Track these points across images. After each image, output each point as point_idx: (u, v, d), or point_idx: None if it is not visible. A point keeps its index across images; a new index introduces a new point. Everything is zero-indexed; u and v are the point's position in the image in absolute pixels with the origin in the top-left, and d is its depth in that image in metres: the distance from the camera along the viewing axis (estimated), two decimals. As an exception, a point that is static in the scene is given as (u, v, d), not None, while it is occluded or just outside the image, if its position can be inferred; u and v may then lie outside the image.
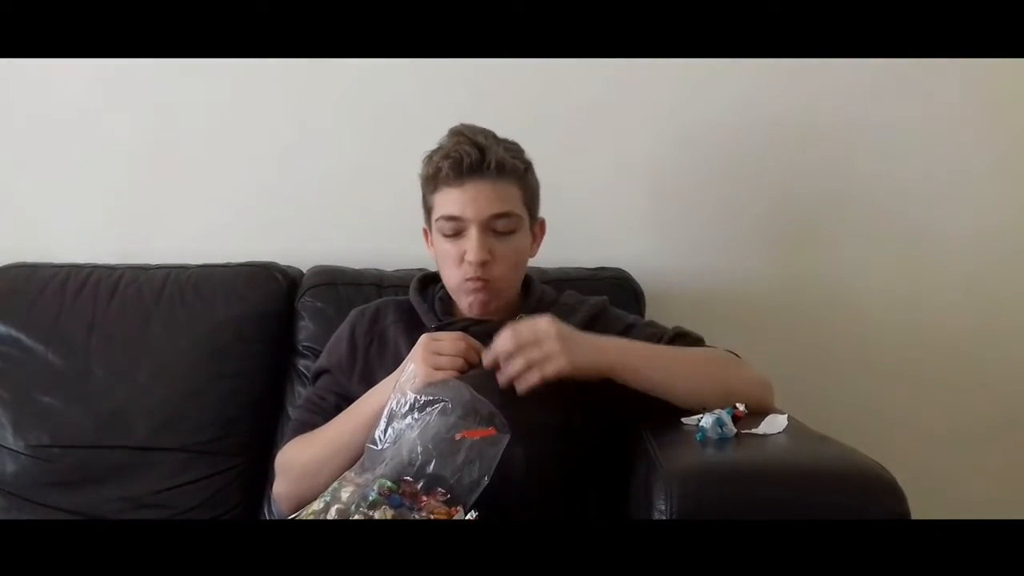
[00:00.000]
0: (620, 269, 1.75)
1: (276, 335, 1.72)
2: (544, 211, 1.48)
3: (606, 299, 1.50)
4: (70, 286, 1.75)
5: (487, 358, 1.27)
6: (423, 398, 1.19)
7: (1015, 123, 1.86)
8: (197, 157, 1.91)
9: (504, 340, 1.26)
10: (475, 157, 1.34)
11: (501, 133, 1.42)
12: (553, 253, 1.58)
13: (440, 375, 1.24)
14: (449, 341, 1.29)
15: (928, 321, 1.86)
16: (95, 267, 1.79)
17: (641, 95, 1.86)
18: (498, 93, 1.85)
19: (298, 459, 1.39)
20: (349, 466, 1.25)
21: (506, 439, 1.14)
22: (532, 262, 1.47)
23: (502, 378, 1.25)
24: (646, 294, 1.73)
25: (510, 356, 1.25)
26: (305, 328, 1.71)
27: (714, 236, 1.87)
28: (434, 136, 1.41)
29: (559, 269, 1.70)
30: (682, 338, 1.41)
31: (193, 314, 1.70)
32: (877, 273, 1.86)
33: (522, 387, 1.25)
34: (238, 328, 1.70)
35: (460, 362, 1.27)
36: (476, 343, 1.30)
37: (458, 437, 1.13)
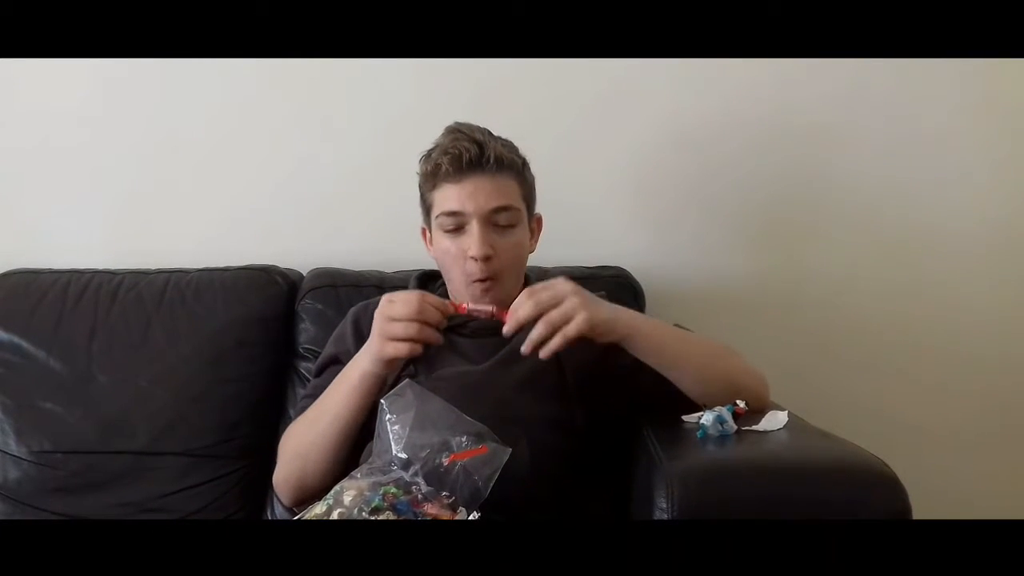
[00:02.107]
0: (620, 268, 1.75)
1: (277, 338, 1.72)
2: (544, 210, 1.48)
3: (604, 293, 1.49)
4: (71, 292, 1.75)
5: (508, 327, 1.22)
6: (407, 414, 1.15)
7: (1014, 123, 1.86)
8: (196, 162, 1.91)
9: (524, 306, 1.21)
10: (474, 152, 1.34)
11: (502, 133, 1.42)
12: (553, 252, 1.59)
13: (393, 348, 1.21)
14: (401, 303, 1.24)
15: (928, 319, 1.86)
16: (95, 273, 1.79)
17: (640, 95, 1.86)
18: (498, 93, 1.85)
19: (291, 439, 1.39)
20: (338, 441, 1.24)
21: (505, 452, 1.12)
22: (532, 259, 1.47)
23: (527, 346, 1.21)
24: (646, 292, 1.73)
25: (531, 320, 1.21)
26: (306, 331, 1.71)
27: (713, 234, 1.87)
28: (434, 137, 1.41)
29: (559, 268, 1.70)
30: None
31: (194, 318, 1.70)
32: (876, 271, 1.86)
33: (545, 354, 1.21)
34: (239, 332, 1.70)
35: (415, 329, 1.22)
36: (437, 300, 1.26)
37: (446, 462, 1.11)
